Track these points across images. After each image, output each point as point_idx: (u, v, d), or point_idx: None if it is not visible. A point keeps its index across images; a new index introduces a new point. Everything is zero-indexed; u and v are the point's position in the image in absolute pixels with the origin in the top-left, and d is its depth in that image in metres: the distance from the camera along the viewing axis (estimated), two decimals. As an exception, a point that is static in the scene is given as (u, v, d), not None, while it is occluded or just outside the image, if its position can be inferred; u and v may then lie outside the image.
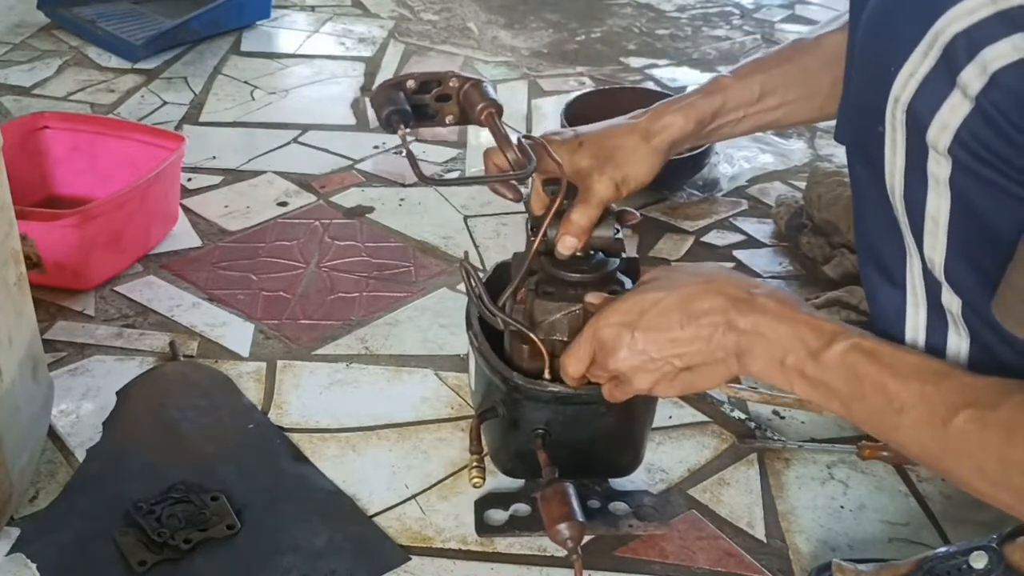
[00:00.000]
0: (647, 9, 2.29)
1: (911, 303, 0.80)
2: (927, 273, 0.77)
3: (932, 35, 0.66)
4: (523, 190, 1.43)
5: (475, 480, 0.92)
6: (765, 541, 0.97)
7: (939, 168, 0.69)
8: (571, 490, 0.87)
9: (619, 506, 0.98)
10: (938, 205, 0.71)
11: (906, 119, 0.70)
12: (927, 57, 0.67)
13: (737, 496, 1.02)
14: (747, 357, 0.76)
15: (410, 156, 0.89)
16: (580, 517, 0.85)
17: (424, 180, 0.90)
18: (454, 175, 1.57)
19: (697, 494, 1.02)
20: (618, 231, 0.94)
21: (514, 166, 0.92)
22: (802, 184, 1.49)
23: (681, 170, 1.55)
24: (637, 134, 0.97)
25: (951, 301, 0.76)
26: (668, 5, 2.31)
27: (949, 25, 0.65)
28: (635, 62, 2.02)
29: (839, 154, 1.68)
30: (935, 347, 0.80)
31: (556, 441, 0.92)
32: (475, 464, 0.92)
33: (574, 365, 0.85)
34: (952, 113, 0.66)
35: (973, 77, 0.64)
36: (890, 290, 0.82)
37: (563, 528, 0.84)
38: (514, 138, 0.93)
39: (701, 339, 0.78)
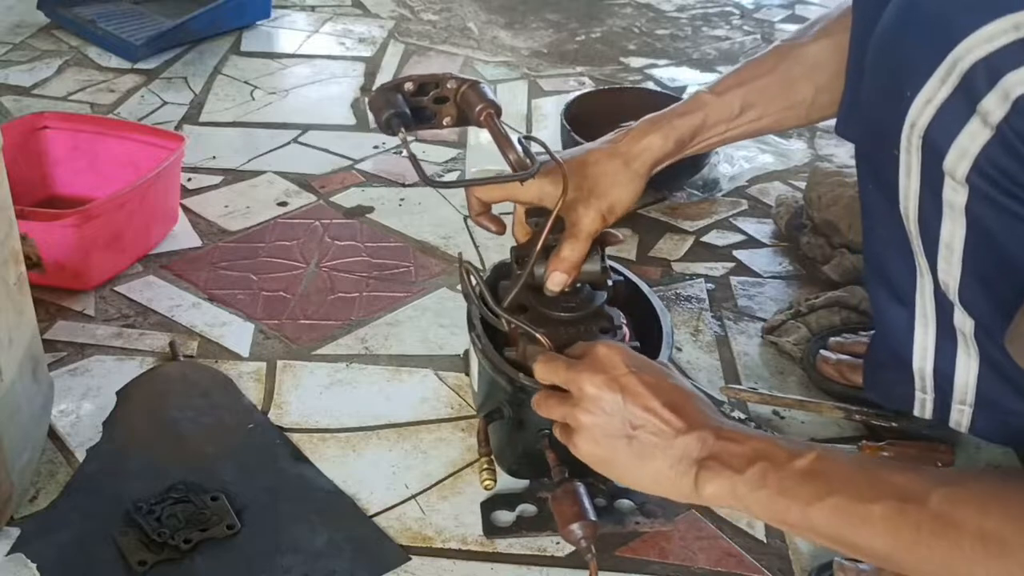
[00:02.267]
0: (647, 9, 2.29)
1: (920, 323, 0.80)
2: (938, 295, 0.76)
3: (951, 61, 0.65)
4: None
5: (487, 482, 0.91)
6: (765, 541, 0.97)
7: (955, 195, 0.68)
8: (582, 489, 0.87)
9: (624, 503, 0.98)
10: (953, 231, 0.70)
11: (922, 145, 0.69)
12: (944, 84, 0.65)
13: (737, 496, 1.02)
14: (703, 470, 0.72)
15: (412, 159, 0.89)
16: (593, 516, 0.85)
17: (427, 182, 0.89)
18: (454, 175, 1.57)
19: (697, 494, 1.02)
20: (604, 261, 0.94)
21: (515, 167, 0.92)
22: (802, 184, 1.49)
23: (681, 170, 1.55)
24: (618, 159, 0.94)
25: (963, 322, 0.75)
26: (668, 5, 2.31)
27: (969, 52, 0.63)
28: (635, 62, 2.02)
29: (839, 154, 1.68)
30: (944, 367, 0.79)
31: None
32: (485, 466, 0.92)
33: (545, 374, 0.81)
34: (971, 141, 0.65)
35: (995, 104, 0.63)
36: (899, 309, 0.81)
37: (576, 528, 0.84)
38: (514, 138, 0.92)
39: (672, 430, 0.73)
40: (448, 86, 0.95)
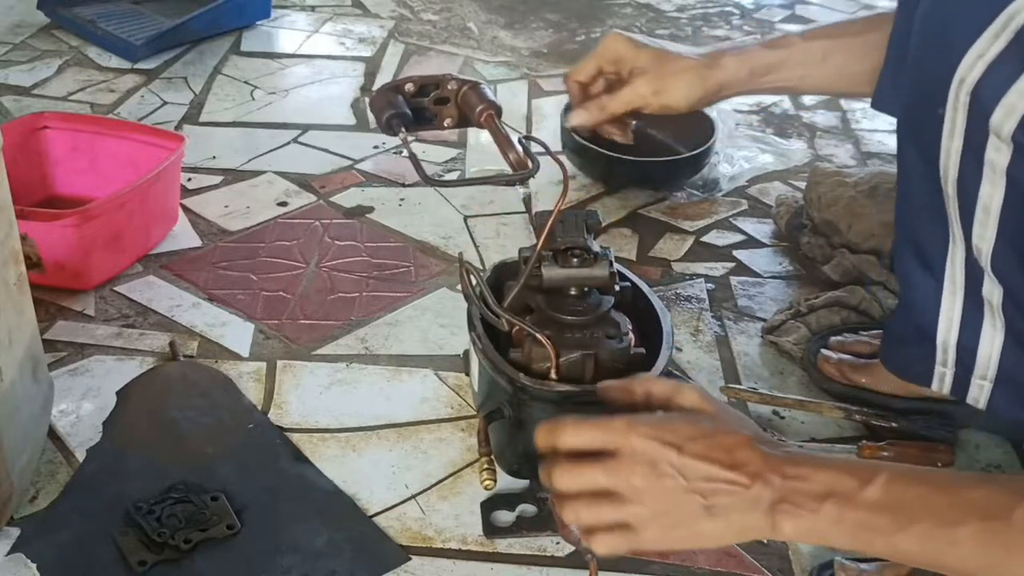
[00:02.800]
0: (647, 9, 2.29)
1: (948, 292, 0.80)
2: (969, 263, 0.76)
3: (1006, 17, 0.65)
4: (521, 191, 1.43)
5: (487, 482, 0.92)
6: (765, 541, 0.97)
7: (998, 155, 0.68)
8: None
9: None
10: (992, 194, 0.70)
11: (970, 102, 0.68)
12: (998, 39, 0.65)
13: (737, 496, 1.02)
14: (783, 511, 0.67)
15: (413, 159, 0.89)
16: None
17: (428, 182, 0.90)
18: (454, 175, 1.57)
19: (697, 494, 1.02)
20: (612, 267, 0.94)
21: (515, 166, 0.92)
22: (802, 184, 1.49)
23: (681, 170, 1.55)
24: (694, 62, 0.99)
25: (992, 291, 0.75)
26: (668, 5, 2.31)
27: None
28: (635, 62, 2.02)
29: (839, 154, 1.68)
30: (968, 340, 0.79)
31: None
32: (486, 466, 0.92)
33: (571, 439, 0.71)
34: (1020, 98, 0.65)
35: None
36: (927, 279, 0.81)
37: (576, 528, 0.84)
38: (514, 138, 0.93)
39: (740, 487, 0.67)
40: (449, 87, 0.95)
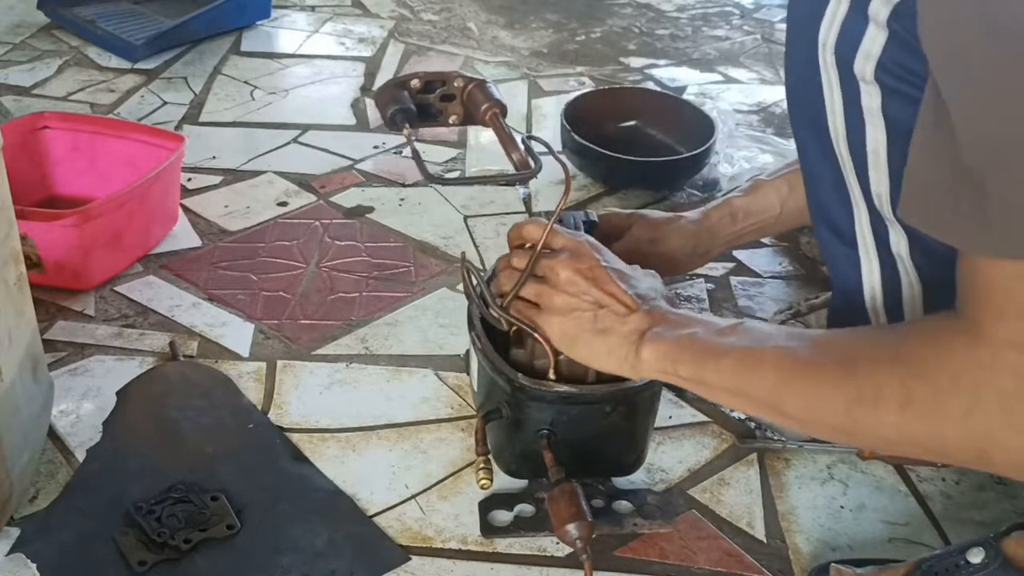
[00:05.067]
0: (647, 9, 2.29)
1: (864, 258, 0.86)
2: (874, 220, 0.83)
3: None
4: (522, 190, 1.43)
5: (483, 482, 0.92)
6: (765, 541, 0.97)
7: (871, 99, 0.77)
8: (579, 490, 0.87)
9: (623, 505, 0.98)
10: (876, 138, 0.78)
11: (836, 60, 0.78)
12: (841, 3, 0.76)
13: (737, 496, 1.02)
14: (649, 337, 0.84)
15: (416, 156, 0.89)
16: (589, 517, 0.85)
17: (430, 179, 0.90)
18: (454, 175, 1.57)
19: (697, 494, 1.02)
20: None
21: (518, 166, 0.92)
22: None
23: (681, 170, 1.55)
24: (684, 217, 1.12)
25: (899, 243, 0.82)
26: (668, 5, 2.31)
27: None
28: (635, 62, 2.02)
29: (839, 154, 1.67)
30: (892, 302, 0.85)
31: (560, 440, 0.92)
32: (482, 466, 0.92)
33: (510, 265, 0.91)
34: (872, 43, 0.74)
35: (879, 6, 0.72)
36: (844, 249, 0.87)
37: (572, 528, 0.84)
38: (518, 138, 0.93)
39: (627, 309, 0.86)
40: (455, 84, 0.95)
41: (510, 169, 0.94)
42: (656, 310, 0.86)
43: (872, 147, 0.79)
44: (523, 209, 1.48)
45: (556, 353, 0.89)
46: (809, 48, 0.80)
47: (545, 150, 0.99)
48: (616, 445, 0.97)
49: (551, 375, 0.90)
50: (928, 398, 0.67)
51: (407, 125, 0.91)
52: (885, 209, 0.81)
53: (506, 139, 0.92)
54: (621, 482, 1.01)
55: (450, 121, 0.97)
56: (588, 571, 0.84)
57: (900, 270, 0.83)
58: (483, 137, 1.67)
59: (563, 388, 0.90)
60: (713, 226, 1.12)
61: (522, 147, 0.93)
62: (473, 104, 0.95)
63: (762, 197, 1.12)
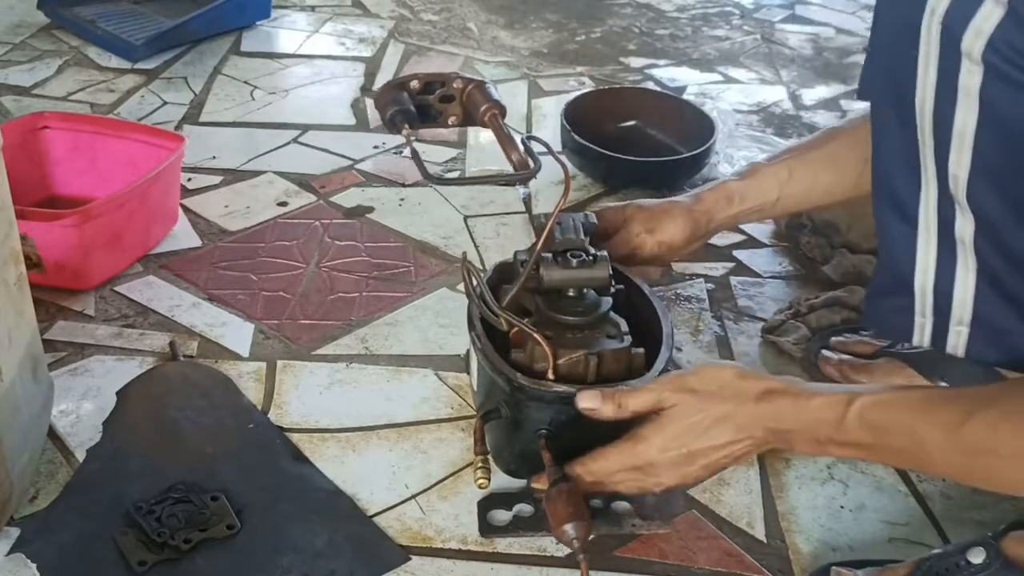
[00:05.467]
0: (647, 9, 2.29)
1: (923, 239, 0.84)
2: (941, 205, 0.80)
3: None
4: (522, 190, 1.43)
5: (480, 481, 0.92)
6: (765, 541, 0.97)
7: (970, 78, 0.73)
8: (577, 490, 0.87)
9: (621, 505, 0.98)
10: (965, 120, 0.75)
11: (941, 31, 0.74)
12: None
13: (737, 496, 1.02)
14: (793, 446, 0.85)
15: (415, 156, 0.89)
16: (587, 517, 0.85)
17: (429, 179, 0.90)
18: (454, 175, 1.57)
19: (697, 494, 1.02)
20: (610, 269, 0.95)
21: (517, 166, 0.92)
22: (802, 184, 1.49)
23: (681, 170, 1.55)
24: (679, 201, 1.12)
25: (964, 229, 0.79)
26: (668, 5, 2.31)
27: None
28: (635, 62, 2.02)
29: (839, 154, 1.67)
30: (943, 283, 0.84)
31: (559, 441, 0.92)
32: (480, 465, 0.92)
33: (602, 468, 0.89)
34: (985, 20, 0.70)
35: None
36: (902, 227, 0.85)
37: (570, 528, 0.84)
38: (517, 139, 0.93)
39: (746, 447, 0.86)
40: (455, 85, 0.95)
41: (510, 169, 0.94)
42: (768, 431, 0.85)
43: (959, 128, 0.76)
44: (523, 209, 1.48)
45: (556, 356, 0.90)
46: (913, 11, 0.76)
47: (544, 150, 0.99)
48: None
49: (550, 375, 0.90)
50: None
51: (406, 126, 0.91)
52: (959, 193, 0.78)
53: (505, 140, 0.92)
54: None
55: (449, 122, 0.97)
56: (584, 571, 0.84)
57: (959, 254, 0.81)
58: (483, 137, 1.67)
59: (562, 388, 0.90)
60: (709, 209, 1.12)
61: (521, 147, 0.93)
62: (472, 105, 0.95)
63: (760, 181, 1.11)
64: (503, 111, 0.94)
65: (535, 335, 0.89)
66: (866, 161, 0.90)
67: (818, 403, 0.82)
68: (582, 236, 0.97)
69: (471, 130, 1.68)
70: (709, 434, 0.85)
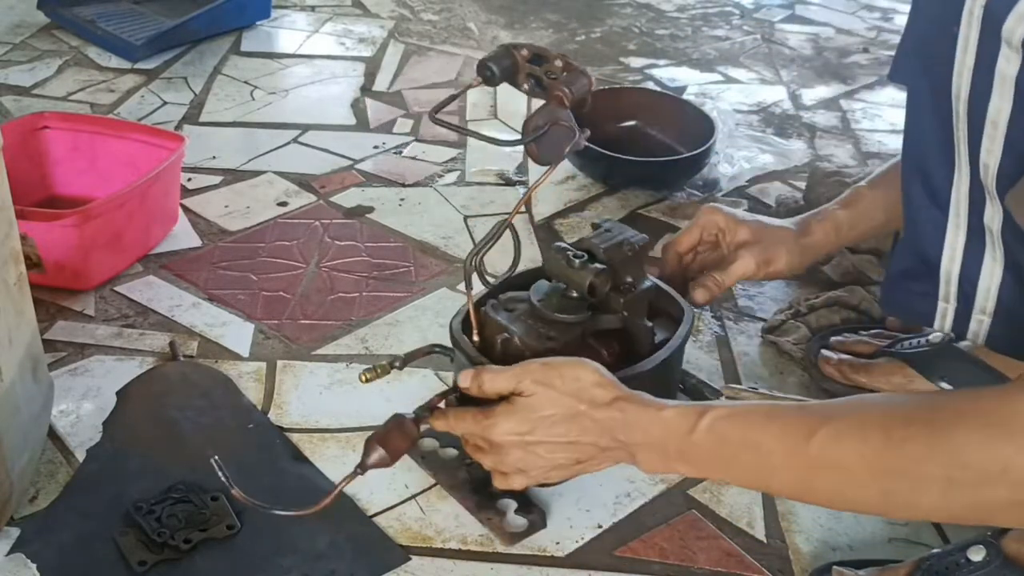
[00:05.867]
0: (647, 9, 2.29)
1: (952, 224, 0.83)
2: (973, 190, 0.80)
3: None
4: (521, 189, 1.43)
5: (365, 376, 0.95)
6: (765, 541, 0.97)
7: (1008, 65, 0.72)
8: (417, 435, 0.88)
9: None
10: (1000, 107, 0.74)
11: (983, 14, 0.73)
12: None
13: (737, 496, 1.02)
14: (638, 459, 0.82)
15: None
16: (395, 456, 0.85)
17: (435, 121, 0.94)
18: (453, 175, 1.57)
19: (697, 494, 1.02)
20: (597, 284, 0.95)
21: (532, 157, 0.95)
22: (802, 184, 1.49)
23: (681, 170, 1.55)
24: (788, 231, 1.10)
25: (993, 217, 0.79)
26: (668, 5, 2.31)
27: None
28: (635, 62, 2.02)
29: (839, 154, 1.68)
30: (970, 271, 0.83)
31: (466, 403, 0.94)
32: (377, 372, 0.96)
33: (459, 424, 0.87)
34: None
35: None
36: (933, 211, 0.85)
37: (377, 450, 0.85)
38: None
39: (590, 452, 0.83)
40: (556, 63, 0.98)
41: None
42: (615, 440, 0.82)
43: (992, 116, 0.75)
44: (523, 209, 1.48)
45: (486, 329, 0.95)
46: None
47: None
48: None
49: (475, 337, 0.96)
50: None
51: (488, 74, 0.93)
52: (989, 181, 0.77)
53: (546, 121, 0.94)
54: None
55: (559, 95, 1.00)
56: (340, 485, 0.85)
57: (987, 243, 0.81)
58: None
59: (472, 351, 0.95)
60: (817, 242, 1.11)
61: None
62: (558, 80, 0.98)
63: (866, 209, 1.10)
64: (573, 104, 0.98)
65: (469, 300, 0.94)
66: None
67: (670, 414, 0.79)
68: (621, 244, 0.96)
69: (471, 129, 1.67)
70: (554, 430, 0.82)
